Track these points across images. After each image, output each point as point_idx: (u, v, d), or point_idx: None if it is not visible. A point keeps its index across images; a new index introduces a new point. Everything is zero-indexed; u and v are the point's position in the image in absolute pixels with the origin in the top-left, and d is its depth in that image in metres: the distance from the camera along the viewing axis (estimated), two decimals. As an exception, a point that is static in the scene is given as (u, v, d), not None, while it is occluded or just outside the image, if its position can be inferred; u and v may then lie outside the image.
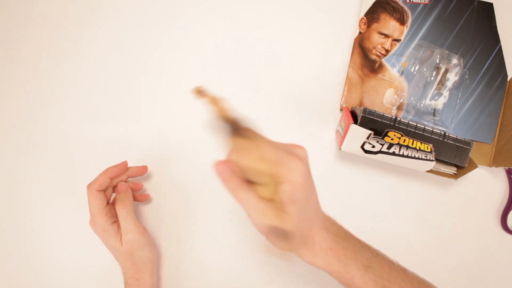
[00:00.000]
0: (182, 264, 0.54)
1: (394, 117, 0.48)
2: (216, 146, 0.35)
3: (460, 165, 0.49)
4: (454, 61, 0.55)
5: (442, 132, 0.48)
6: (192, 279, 0.54)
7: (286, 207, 0.33)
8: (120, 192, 0.49)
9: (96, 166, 0.57)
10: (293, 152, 0.35)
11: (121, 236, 0.47)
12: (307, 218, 0.36)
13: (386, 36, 0.57)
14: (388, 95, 0.56)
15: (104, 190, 0.48)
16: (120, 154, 0.57)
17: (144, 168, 0.54)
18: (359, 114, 0.48)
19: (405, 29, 0.57)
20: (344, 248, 0.37)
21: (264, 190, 0.34)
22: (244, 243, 0.54)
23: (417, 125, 0.48)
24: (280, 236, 0.34)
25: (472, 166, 0.48)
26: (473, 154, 0.51)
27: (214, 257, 0.54)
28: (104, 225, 0.46)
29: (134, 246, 0.47)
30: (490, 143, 0.55)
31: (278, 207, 0.34)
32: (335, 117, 0.57)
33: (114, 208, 0.49)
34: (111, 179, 0.49)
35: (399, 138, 0.47)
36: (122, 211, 0.47)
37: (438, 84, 0.55)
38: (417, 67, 0.56)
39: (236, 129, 0.34)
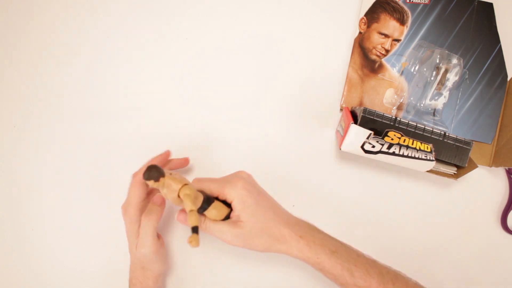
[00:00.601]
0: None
1: (394, 117, 0.48)
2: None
3: (460, 165, 0.49)
4: (454, 61, 0.55)
5: (442, 132, 0.48)
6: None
7: (240, 218, 0.42)
8: (154, 204, 0.47)
9: (96, 166, 0.57)
10: (235, 176, 0.44)
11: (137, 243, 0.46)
12: (265, 219, 0.43)
13: (386, 36, 0.57)
14: (388, 95, 0.56)
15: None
16: (120, 155, 0.57)
17: (186, 160, 0.53)
18: (359, 114, 0.48)
19: (405, 29, 0.57)
20: (313, 236, 0.43)
21: (217, 214, 0.43)
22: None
23: (417, 125, 0.48)
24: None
25: (472, 166, 0.48)
26: (473, 154, 0.51)
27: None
28: (133, 218, 0.45)
29: (145, 260, 0.46)
30: (490, 143, 0.55)
31: (235, 220, 0.42)
32: (335, 117, 0.57)
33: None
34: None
35: (399, 138, 0.47)
36: (145, 223, 0.45)
37: (438, 84, 0.55)
38: (417, 67, 0.56)
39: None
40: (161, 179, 0.38)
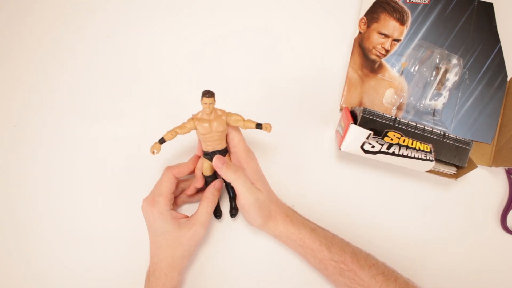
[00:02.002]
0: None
1: (393, 117, 0.48)
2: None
3: (459, 165, 0.48)
4: (454, 61, 0.55)
5: (442, 132, 0.48)
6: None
7: (257, 185, 0.48)
8: (215, 189, 0.49)
9: (96, 166, 0.57)
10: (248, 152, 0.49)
11: (185, 225, 0.47)
12: (269, 193, 0.49)
13: (386, 36, 0.57)
14: (388, 95, 0.56)
15: (177, 179, 0.49)
16: (120, 154, 0.57)
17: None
18: (359, 114, 0.48)
19: (405, 29, 0.57)
20: (295, 216, 0.50)
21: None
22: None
23: (417, 125, 0.48)
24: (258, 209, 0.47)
25: (472, 166, 0.48)
26: (473, 154, 0.51)
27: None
28: (163, 208, 0.47)
29: (195, 237, 0.47)
30: (489, 143, 0.55)
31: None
32: (335, 117, 0.57)
33: (175, 202, 0.52)
34: (190, 171, 0.50)
35: (399, 138, 0.47)
36: (208, 206, 0.48)
37: (438, 84, 0.55)
38: (417, 67, 0.56)
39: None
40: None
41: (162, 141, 0.45)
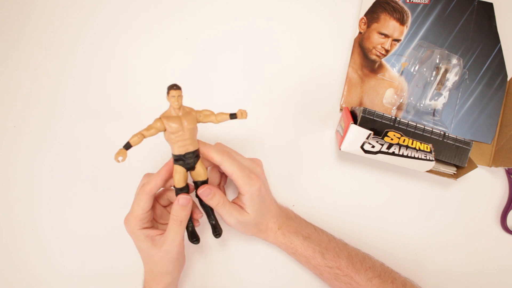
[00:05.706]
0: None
1: (393, 117, 0.48)
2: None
3: (459, 165, 0.49)
4: (454, 61, 0.55)
5: (442, 132, 0.48)
6: None
7: (246, 209, 0.46)
8: (181, 206, 0.43)
9: (96, 166, 0.57)
10: (253, 170, 0.47)
11: (157, 243, 0.45)
12: (261, 214, 0.48)
13: (386, 36, 0.57)
14: (388, 95, 0.56)
15: (155, 194, 0.45)
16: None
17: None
18: (359, 114, 0.48)
19: (405, 29, 0.57)
20: (289, 226, 0.50)
21: (204, 172, 0.45)
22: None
23: (417, 125, 0.48)
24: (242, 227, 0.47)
25: (472, 166, 0.48)
26: (472, 154, 0.51)
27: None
28: (134, 228, 0.45)
29: (167, 256, 0.44)
30: (489, 143, 0.55)
31: (241, 207, 0.47)
32: (335, 117, 0.57)
33: (156, 214, 0.48)
34: (165, 180, 0.45)
35: (399, 138, 0.47)
36: (174, 226, 0.44)
37: (438, 84, 0.55)
38: (417, 67, 0.56)
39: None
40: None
41: (128, 146, 0.41)
